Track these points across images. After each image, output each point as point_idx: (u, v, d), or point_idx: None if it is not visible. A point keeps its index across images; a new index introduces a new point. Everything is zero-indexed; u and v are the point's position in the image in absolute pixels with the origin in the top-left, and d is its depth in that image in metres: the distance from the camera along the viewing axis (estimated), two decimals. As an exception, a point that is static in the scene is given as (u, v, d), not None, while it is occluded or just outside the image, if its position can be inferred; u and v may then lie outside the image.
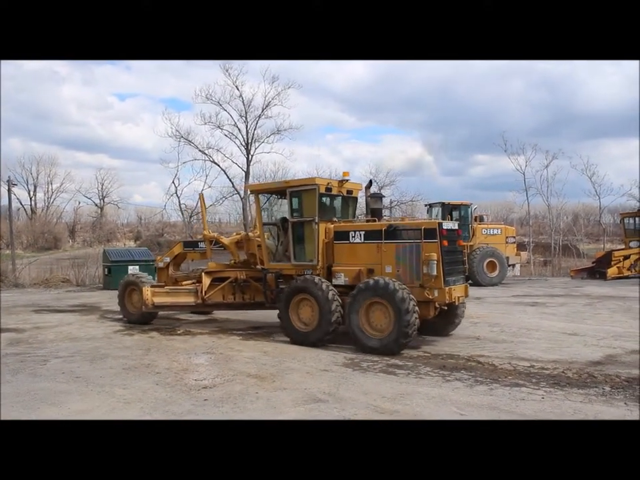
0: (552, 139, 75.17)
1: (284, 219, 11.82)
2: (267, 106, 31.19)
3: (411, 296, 9.44)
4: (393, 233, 10.20)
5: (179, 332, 12.12)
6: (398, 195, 35.82)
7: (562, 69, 79.86)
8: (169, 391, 7.35)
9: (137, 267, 22.29)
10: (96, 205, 76.49)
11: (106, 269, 22.64)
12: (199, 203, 14.39)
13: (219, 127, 31.15)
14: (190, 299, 12.76)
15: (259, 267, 12.71)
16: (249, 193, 12.33)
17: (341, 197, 11.65)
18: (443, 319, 10.70)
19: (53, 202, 73.38)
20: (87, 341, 11.16)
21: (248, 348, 10.30)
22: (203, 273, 12.84)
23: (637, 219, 26.78)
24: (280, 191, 11.93)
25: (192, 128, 36.08)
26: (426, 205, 25.74)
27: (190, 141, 30.82)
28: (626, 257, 25.97)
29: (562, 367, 8.44)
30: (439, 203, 24.06)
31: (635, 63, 75.22)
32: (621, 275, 25.32)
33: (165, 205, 32.67)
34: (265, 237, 12.22)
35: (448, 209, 22.85)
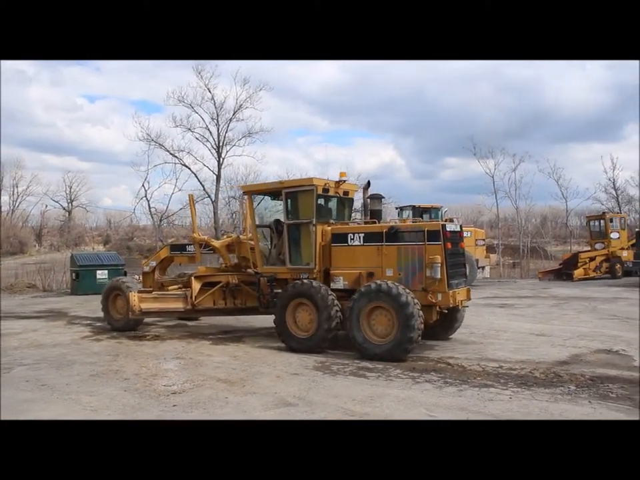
0: (520, 142, 76.68)
1: (277, 221, 11.54)
2: (238, 108, 31.10)
3: (415, 300, 9.17)
4: (394, 235, 9.89)
5: (148, 337, 11.96)
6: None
7: (529, 72, 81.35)
8: (138, 397, 7.24)
9: (106, 272, 22.04)
10: (64, 209, 74.95)
11: (73, 274, 22.27)
12: (189, 204, 13.83)
13: (190, 129, 30.94)
14: (179, 305, 12.25)
15: (250, 270, 12.42)
16: (241, 193, 12.09)
17: (337, 199, 11.31)
18: (443, 323, 10.42)
19: (18, 205, 71.79)
20: (53, 347, 10.93)
21: (218, 352, 10.23)
22: (192, 278, 12.40)
23: (601, 221, 27.38)
24: (274, 191, 11.56)
25: (163, 130, 35.82)
26: (397, 208, 25.93)
27: (161, 144, 30.55)
28: (591, 259, 26.54)
29: (529, 367, 8.56)
30: (410, 206, 24.24)
31: (599, 68, 76.97)
32: (587, 276, 25.86)
33: (135, 209, 32.27)
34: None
35: (418, 212, 23.02)
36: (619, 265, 25.92)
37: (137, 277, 28.28)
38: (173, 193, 31.44)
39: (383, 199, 11.63)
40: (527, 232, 41.92)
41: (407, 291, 9.20)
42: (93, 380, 8.24)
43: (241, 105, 31.05)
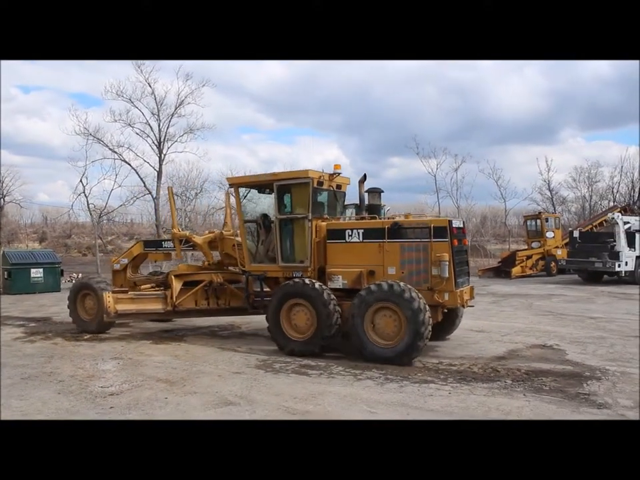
0: (462, 143, 78.53)
1: (265, 216, 11.00)
2: (180, 104, 30.53)
3: (425, 302, 8.66)
4: (397, 231, 9.34)
5: (85, 337, 11.57)
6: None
7: (472, 75, 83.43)
8: (72, 400, 6.99)
9: (41, 270, 21.27)
10: (-5, 204, 71.83)
11: (5, 273, 21.32)
12: (168, 197, 13.11)
13: (129, 124, 30.14)
14: (158, 306, 11.53)
15: (232, 268, 11.99)
16: (227, 186, 11.32)
17: (330, 192, 10.67)
18: (443, 323, 9.90)
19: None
20: (-17, 349, 10.45)
21: (158, 352, 10.01)
22: (172, 276, 11.64)
23: (537, 221, 28.32)
24: (264, 184, 10.93)
25: (101, 125, 34.74)
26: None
27: (99, 139, 29.60)
28: (528, 257, 27.44)
29: (468, 363, 8.76)
30: (353, 204, 24.33)
31: (537, 74, 79.61)
32: (524, 274, 26.72)
33: (72, 205, 31.15)
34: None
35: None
36: (553, 263, 26.89)
37: (74, 275, 27.47)
38: (112, 189, 30.47)
39: (382, 193, 11.07)
40: (467, 231, 42.95)
41: (419, 294, 8.67)
42: (24, 383, 7.90)
43: (183, 100, 30.49)
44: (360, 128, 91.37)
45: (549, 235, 27.31)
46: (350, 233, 9.76)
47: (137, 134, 30.43)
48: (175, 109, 30.47)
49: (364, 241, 9.65)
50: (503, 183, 42.46)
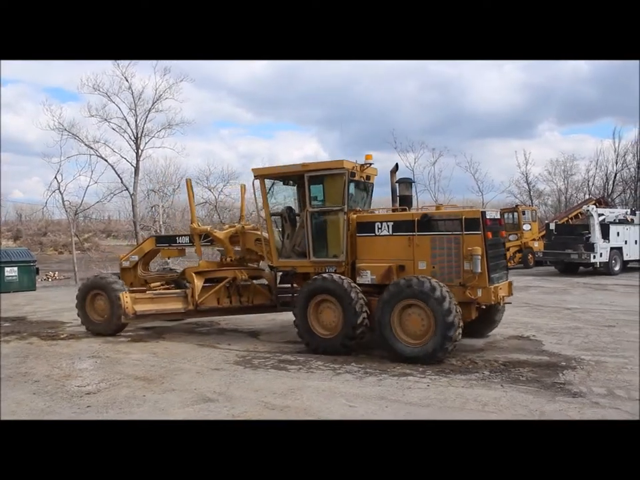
0: (441, 137, 78.81)
1: (290, 209, 10.59)
2: (157, 99, 30.20)
3: (455, 302, 8.25)
4: (427, 223, 8.90)
5: (62, 336, 11.41)
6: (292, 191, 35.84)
7: (452, 71, 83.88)
8: (48, 400, 6.90)
9: (15, 269, 20.93)
10: (-32, 202, 70.44)
11: (-21, 272, 20.95)
12: (186, 190, 12.10)
13: (106, 120, 29.74)
14: (179, 305, 11.11)
15: (254, 265, 11.70)
16: (252, 177, 10.58)
17: (360, 184, 10.19)
18: (481, 320, 9.48)
19: None
20: (-45, 350, 10.26)
21: (136, 350, 9.92)
22: (193, 274, 11.16)
23: (514, 214, 28.60)
24: (292, 175, 10.44)
25: (77, 120, 34.17)
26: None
27: (74, 134, 29.15)
28: (506, 249, 27.67)
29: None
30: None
31: (516, 69, 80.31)
32: (501, 266, 26.93)
33: (47, 202, 30.66)
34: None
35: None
36: (530, 255, 27.18)
37: (50, 273, 27.09)
38: (88, 186, 30.04)
39: (413, 183, 10.47)
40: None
41: (451, 293, 8.27)
42: (-1, 383, 7.79)
43: (161, 95, 30.18)
44: (340, 122, 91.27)
45: (526, 227, 27.58)
46: (379, 226, 9.34)
47: (114, 129, 30.08)
48: (153, 104, 30.16)
49: (394, 234, 9.22)
50: (480, 176, 42.89)
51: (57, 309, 15.59)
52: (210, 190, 34.09)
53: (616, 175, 47.88)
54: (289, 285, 10.36)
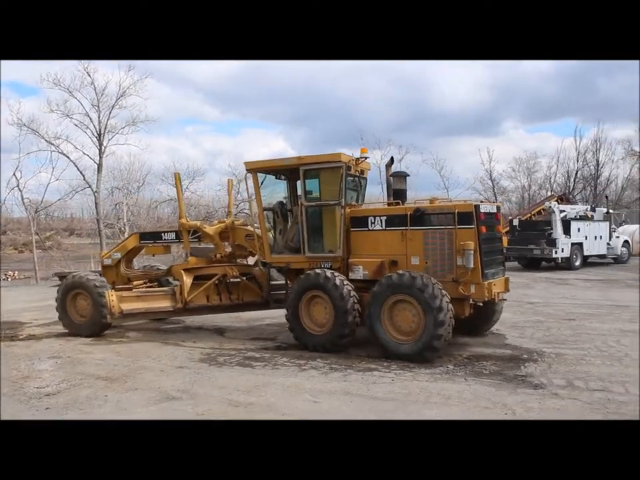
0: (408, 134, 79.38)
1: (281, 203, 10.39)
2: (121, 95, 29.72)
3: (447, 299, 8.03)
4: (420, 217, 8.71)
5: (21, 337, 11.11)
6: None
7: (418, 69, 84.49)
8: (4, 403, 6.70)
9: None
10: None
11: None
12: (175, 184, 11.80)
13: (67, 115, 29.12)
14: (166, 303, 10.80)
15: (242, 261, 11.45)
16: (245, 171, 10.34)
17: (355, 178, 9.93)
18: (478, 317, 9.30)
19: None
20: None
21: (99, 349, 9.73)
22: (182, 271, 10.89)
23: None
24: (285, 169, 10.14)
25: (37, 115, 33.47)
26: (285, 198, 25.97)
27: (34, 130, 28.48)
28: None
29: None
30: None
31: (481, 68, 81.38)
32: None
33: (5, 200, 29.87)
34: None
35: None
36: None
37: (10, 273, 26.41)
38: (49, 183, 29.43)
39: (408, 177, 10.19)
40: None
41: (443, 290, 8.04)
42: (-46, 385, 7.55)
43: (125, 91, 29.69)
44: (306, 120, 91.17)
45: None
46: (373, 221, 9.17)
47: (76, 125, 29.49)
48: (116, 101, 29.68)
49: (387, 228, 9.05)
50: (446, 173, 43.50)
51: (17, 309, 15.17)
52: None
53: (577, 172, 49.10)
54: (283, 282, 10.22)
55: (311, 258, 9.57)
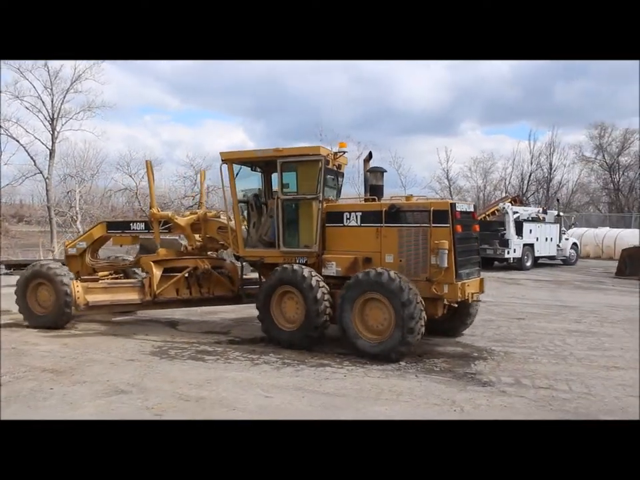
0: (368, 132, 79.63)
1: (256, 196, 10.13)
2: (76, 79, 28.94)
3: (415, 292, 7.87)
4: (395, 214, 8.51)
5: (-38, 327, 10.74)
6: (215, 180, 35.27)
7: (379, 68, 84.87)
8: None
9: None
10: None
11: None
12: (147, 172, 11.06)
13: (18, 97, 28.18)
14: (134, 296, 10.29)
15: (211, 253, 11.16)
16: (220, 161, 9.88)
17: (332, 172, 9.65)
18: (453, 318, 9.20)
19: None
20: None
21: (46, 341, 9.46)
22: (151, 262, 10.38)
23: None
24: (262, 161, 9.87)
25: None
26: (242, 191, 25.82)
27: (-18, 112, 27.49)
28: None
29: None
30: (255, 189, 24.30)
31: (441, 68, 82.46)
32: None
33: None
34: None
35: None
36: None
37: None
38: (-1, 167, 28.52)
39: (385, 173, 9.97)
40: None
41: (410, 285, 7.91)
42: None
43: (80, 75, 28.93)
44: (267, 113, 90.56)
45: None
46: (348, 216, 8.97)
47: (27, 108, 28.59)
48: (71, 84, 28.91)
49: (362, 225, 8.87)
50: (404, 172, 44.00)
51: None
52: (131, 176, 33.06)
53: (530, 175, 50.43)
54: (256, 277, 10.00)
55: (286, 253, 9.33)
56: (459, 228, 8.33)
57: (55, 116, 28.66)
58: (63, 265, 11.19)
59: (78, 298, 9.88)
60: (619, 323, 11.34)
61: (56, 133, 28.75)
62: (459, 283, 8.28)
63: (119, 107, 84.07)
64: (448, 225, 8.22)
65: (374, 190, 9.58)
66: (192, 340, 9.43)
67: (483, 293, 9.23)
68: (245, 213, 10.20)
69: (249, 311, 11.33)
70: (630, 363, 8.06)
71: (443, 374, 7.35)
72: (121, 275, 12.06)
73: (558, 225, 25.68)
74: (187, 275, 10.71)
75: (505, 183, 51.29)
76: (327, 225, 9.17)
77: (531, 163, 50.47)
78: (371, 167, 9.94)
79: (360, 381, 6.99)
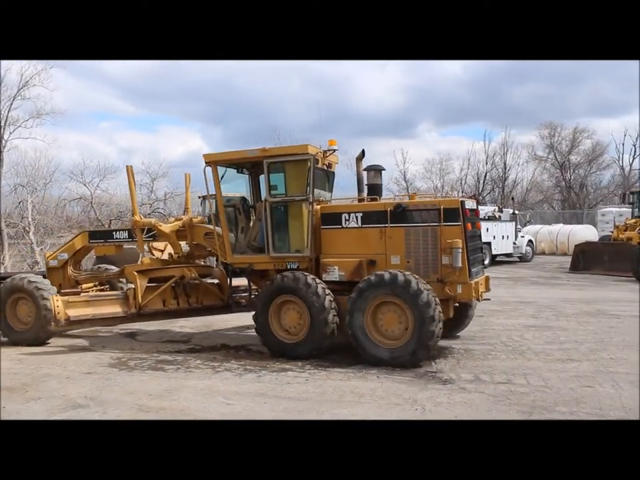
0: (325, 135, 79.81)
1: (244, 199, 9.74)
2: (24, 85, 28.20)
3: (434, 294, 7.61)
4: (401, 214, 8.17)
5: None
6: (172, 187, 34.83)
7: (335, 71, 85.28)
8: None
9: None
10: None
11: None
12: (127, 178, 10.41)
13: (-39, 105, 27.29)
14: (118, 309, 9.75)
15: (198, 261, 10.72)
16: (204, 164, 9.33)
17: (323, 172, 9.25)
18: (453, 319, 8.70)
19: None
20: None
21: (-2, 357, 9.15)
22: (135, 273, 9.88)
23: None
24: (248, 162, 9.40)
25: None
26: (199, 197, 25.71)
27: None
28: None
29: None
30: (213, 194, 24.15)
31: (397, 72, 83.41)
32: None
33: None
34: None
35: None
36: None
37: None
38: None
39: (384, 171, 9.61)
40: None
41: (428, 286, 7.64)
42: None
43: (28, 81, 28.18)
44: (224, 118, 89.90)
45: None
46: (347, 217, 8.55)
47: (-28, 117, 27.69)
48: (18, 91, 28.12)
49: (363, 226, 8.47)
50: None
51: None
52: (85, 185, 32.34)
53: (486, 174, 51.51)
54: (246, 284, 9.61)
55: (276, 258, 8.87)
56: (468, 226, 8.14)
57: (2, 124, 27.86)
58: (44, 277, 10.67)
59: (58, 313, 9.35)
60: (574, 316, 11.66)
61: (3, 141, 27.95)
62: (472, 282, 8.08)
63: (70, 113, 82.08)
64: (459, 223, 7.97)
65: (372, 189, 9.28)
66: (152, 350, 9.27)
67: (490, 291, 9.09)
68: (233, 218, 9.73)
69: (210, 318, 11.24)
70: (584, 355, 8.29)
71: (404, 373, 7.40)
72: (106, 286, 11.60)
73: (514, 223, 26.23)
74: (173, 284, 10.22)
75: (462, 183, 52.23)
76: (322, 227, 8.77)
77: (486, 163, 51.58)
78: (368, 165, 9.59)
79: (322, 384, 6.99)
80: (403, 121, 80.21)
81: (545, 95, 71.57)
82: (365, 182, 9.44)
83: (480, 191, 48.85)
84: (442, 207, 8.04)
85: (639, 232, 21.69)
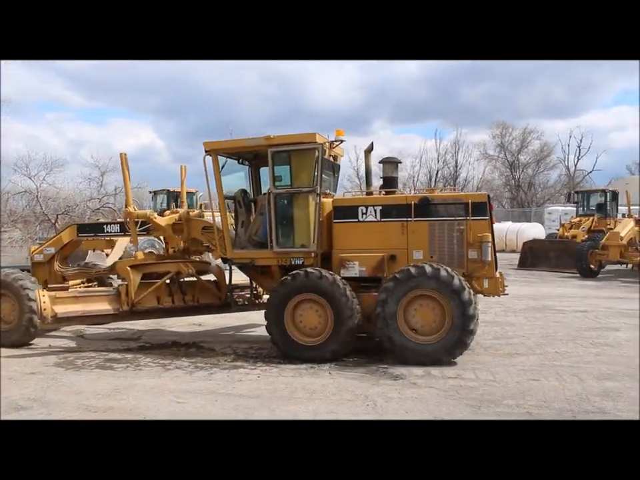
0: (281, 130, 79.16)
1: (244, 192, 9.23)
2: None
3: (472, 291, 7.51)
4: (426, 208, 7.98)
5: None
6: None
7: (292, 66, 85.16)
8: None
9: None
10: None
11: None
12: (121, 167, 9.71)
13: None
14: (109, 306, 9.17)
15: (198, 257, 10.28)
16: (204, 153, 8.72)
17: (329, 163, 8.85)
18: None
19: None
20: None
21: None
22: (129, 268, 9.22)
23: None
24: (250, 151, 8.95)
25: None
26: (150, 192, 25.28)
27: None
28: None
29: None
30: (165, 190, 23.92)
31: (354, 68, 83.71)
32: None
33: None
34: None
35: (173, 196, 22.62)
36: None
37: None
38: None
39: (400, 164, 9.22)
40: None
41: (466, 282, 7.44)
42: None
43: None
44: (177, 112, 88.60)
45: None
46: (364, 211, 8.23)
47: None
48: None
49: (382, 220, 8.17)
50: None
51: None
52: (31, 178, 31.28)
53: (438, 172, 52.39)
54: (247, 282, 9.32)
55: (280, 253, 8.41)
56: (493, 220, 8.15)
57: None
58: (29, 273, 10.04)
59: (44, 309, 8.71)
60: (521, 312, 11.98)
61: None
62: (498, 276, 8.04)
63: (13, 102, 79.28)
64: (487, 218, 7.89)
65: (389, 182, 8.97)
66: (100, 348, 9.06)
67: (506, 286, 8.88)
68: (233, 211, 9.26)
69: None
70: (530, 349, 8.53)
71: (355, 369, 7.44)
72: (95, 283, 11.08)
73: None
74: (168, 281, 9.69)
75: (414, 181, 53.03)
76: (335, 221, 8.42)
77: (438, 161, 52.49)
78: (384, 157, 9.34)
79: (274, 381, 6.97)
80: (358, 118, 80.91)
81: (498, 94, 73.41)
82: (381, 175, 9.22)
83: (432, 189, 49.67)
84: (470, 201, 7.92)
85: (583, 230, 22.47)
